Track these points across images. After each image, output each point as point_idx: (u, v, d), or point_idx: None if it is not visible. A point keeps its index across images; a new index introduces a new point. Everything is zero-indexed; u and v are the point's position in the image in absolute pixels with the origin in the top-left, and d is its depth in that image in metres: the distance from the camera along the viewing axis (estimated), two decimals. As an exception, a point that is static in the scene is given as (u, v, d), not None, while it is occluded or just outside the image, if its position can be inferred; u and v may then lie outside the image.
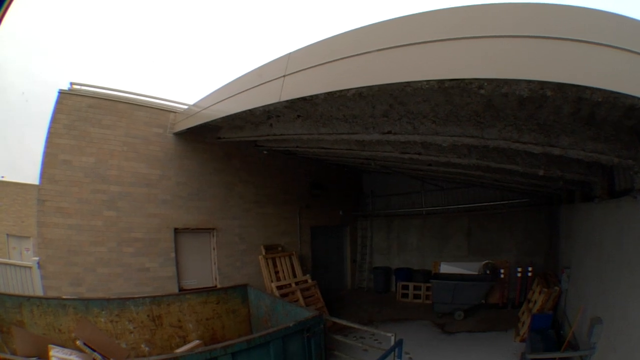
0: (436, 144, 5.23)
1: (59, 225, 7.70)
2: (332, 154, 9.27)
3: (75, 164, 8.00)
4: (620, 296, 4.92)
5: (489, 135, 4.64)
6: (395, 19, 3.50)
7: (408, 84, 3.24)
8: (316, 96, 4.16)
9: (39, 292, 7.41)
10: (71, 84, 8.34)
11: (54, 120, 7.89)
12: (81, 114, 8.17)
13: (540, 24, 2.88)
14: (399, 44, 3.34)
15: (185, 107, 9.51)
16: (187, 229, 9.49)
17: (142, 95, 9.13)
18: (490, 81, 3.01)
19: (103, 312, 6.88)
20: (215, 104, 7.51)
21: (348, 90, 3.68)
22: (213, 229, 10.06)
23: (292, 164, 12.16)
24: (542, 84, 2.91)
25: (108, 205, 8.30)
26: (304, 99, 4.39)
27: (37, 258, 7.60)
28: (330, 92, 3.90)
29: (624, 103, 2.94)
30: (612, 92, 2.79)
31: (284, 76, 4.79)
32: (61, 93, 8.05)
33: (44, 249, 7.57)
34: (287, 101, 4.67)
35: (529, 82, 2.93)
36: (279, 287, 10.29)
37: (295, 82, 4.59)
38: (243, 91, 6.24)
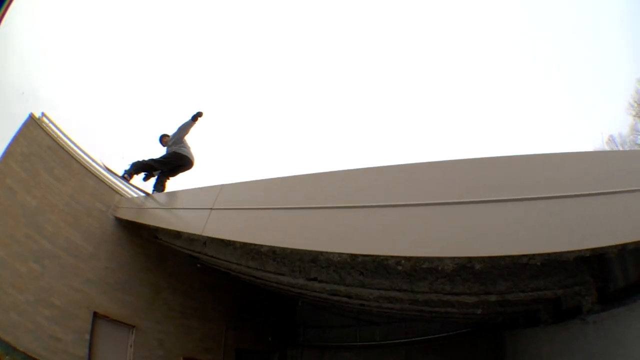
0: (363, 295, 4.96)
1: (-15, 249, 6.93)
2: (262, 284, 8.92)
3: (19, 198, 7.32)
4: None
5: (419, 288, 4.42)
6: (304, 175, 3.37)
7: (320, 253, 3.02)
8: (234, 242, 3.88)
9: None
10: (42, 114, 7.95)
11: (15, 141, 7.39)
12: (40, 151, 7.69)
13: (481, 187, 2.77)
14: (308, 206, 3.17)
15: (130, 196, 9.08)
16: (107, 317, 8.60)
17: (96, 162, 8.63)
18: (408, 259, 2.83)
19: (7, 358, 6.27)
20: (152, 208, 7.36)
21: (262, 246, 3.43)
22: (133, 326, 9.14)
23: (225, 282, 11.42)
24: (470, 259, 2.74)
25: (35, 257, 7.44)
26: (222, 240, 4.10)
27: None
28: (246, 244, 3.64)
29: (567, 257, 2.76)
30: (551, 253, 2.60)
31: (211, 209, 4.53)
32: (30, 118, 7.63)
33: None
34: (207, 237, 4.37)
35: (454, 258, 2.76)
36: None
37: (219, 220, 4.33)
38: (176, 208, 6.02)
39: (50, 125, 8.10)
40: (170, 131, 8.15)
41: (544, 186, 2.77)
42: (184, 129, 7.79)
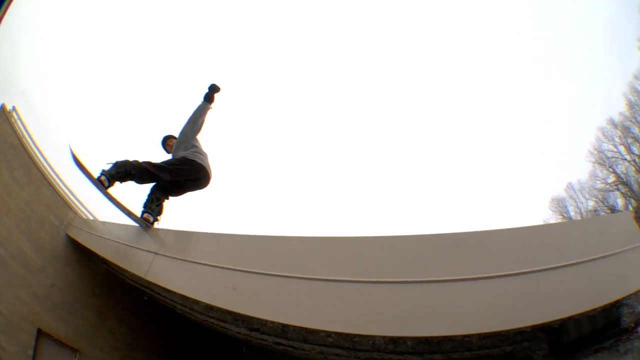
0: (305, 348, 4.92)
1: None
2: (207, 326, 8.74)
3: (-22, 191, 6.93)
4: None
5: (361, 346, 4.39)
6: (241, 235, 3.39)
7: (253, 317, 3.01)
8: (174, 293, 3.83)
9: None
10: (13, 107, 7.63)
11: (-18, 131, 7.02)
12: (4, 147, 7.33)
13: (415, 264, 2.78)
14: (242, 268, 3.16)
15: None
16: (51, 336, 8.13)
17: (55, 173, 8.36)
18: (338, 334, 2.84)
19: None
20: (102, 236, 7.12)
21: (199, 302, 3.40)
22: (77, 350, 8.66)
23: (171, 318, 10.97)
24: (402, 337, 2.76)
25: (-15, 259, 7.09)
26: (164, 288, 4.03)
27: None
28: (185, 297, 3.60)
29: (507, 334, 2.81)
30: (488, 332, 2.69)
31: (156, 253, 4.42)
32: (1, 109, 7.33)
33: None
34: (148, 282, 4.28)
35: (384, 337, 2.77)
36: None
37: (163, 266, 4.24)
38: (125, 244, 5.84)
39: (19, 122, 7.81)
40: (177, 132, 5.49)
41: (479, 264, 2.80)
42: (197, 116, 5.09)
